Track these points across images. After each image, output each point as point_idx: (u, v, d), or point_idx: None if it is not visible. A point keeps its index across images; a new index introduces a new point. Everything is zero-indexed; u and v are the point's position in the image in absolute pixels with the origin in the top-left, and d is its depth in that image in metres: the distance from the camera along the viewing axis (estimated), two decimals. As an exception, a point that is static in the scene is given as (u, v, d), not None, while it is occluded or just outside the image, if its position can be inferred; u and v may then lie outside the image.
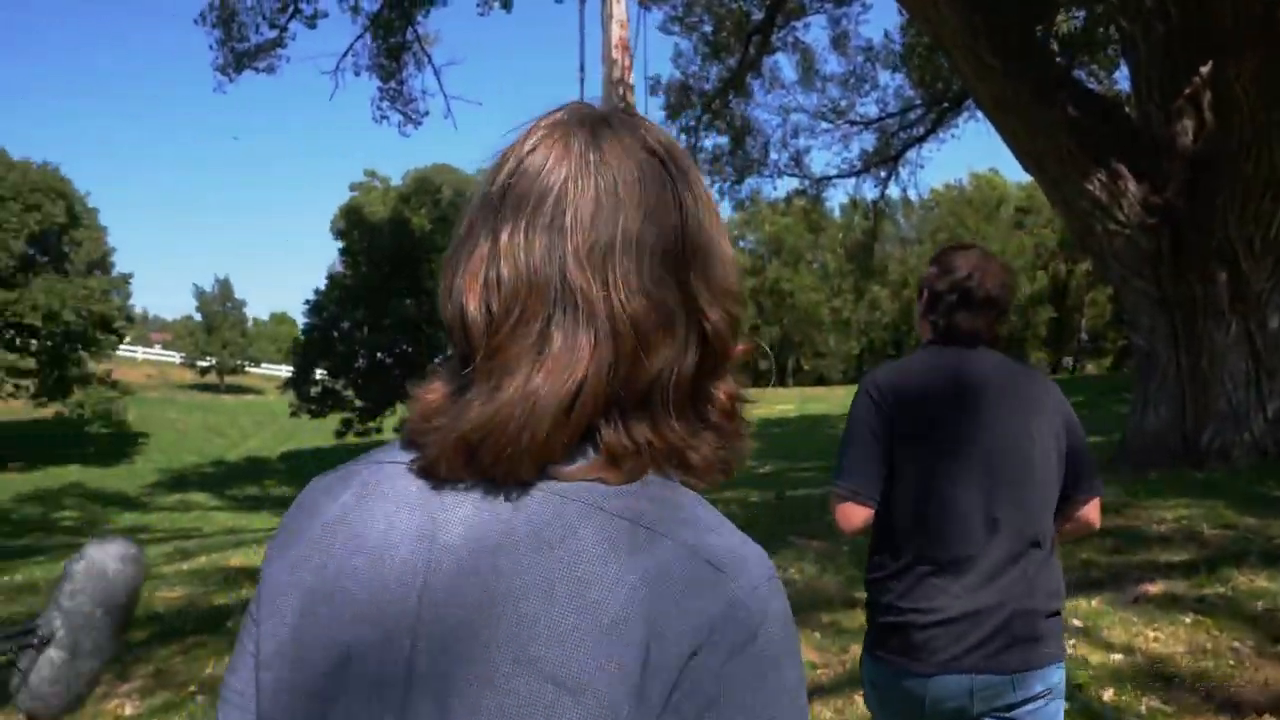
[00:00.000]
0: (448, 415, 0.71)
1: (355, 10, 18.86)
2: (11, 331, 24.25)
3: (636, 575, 0.65)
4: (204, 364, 48.00)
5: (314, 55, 22.43)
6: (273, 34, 18.39)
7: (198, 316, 50.34)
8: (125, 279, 27.55)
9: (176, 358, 49.31)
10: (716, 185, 23.73)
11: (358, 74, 19.38)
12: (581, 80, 7.50)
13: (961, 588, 1.92)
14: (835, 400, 38.48)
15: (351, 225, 24.94)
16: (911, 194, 24.19)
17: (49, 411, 26.88)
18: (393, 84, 19.55)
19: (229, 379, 48.92)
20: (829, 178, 25.18)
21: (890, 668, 1.98)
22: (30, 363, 25.27)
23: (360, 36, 18.68)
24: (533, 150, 0.73)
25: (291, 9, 18.45)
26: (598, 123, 0.74)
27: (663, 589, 0.65)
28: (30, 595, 8.43)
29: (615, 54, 7.40)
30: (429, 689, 0.66)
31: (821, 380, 55.74)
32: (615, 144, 0.73)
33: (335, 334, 23.60)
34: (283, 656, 0.72)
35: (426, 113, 19.64)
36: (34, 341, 24.57)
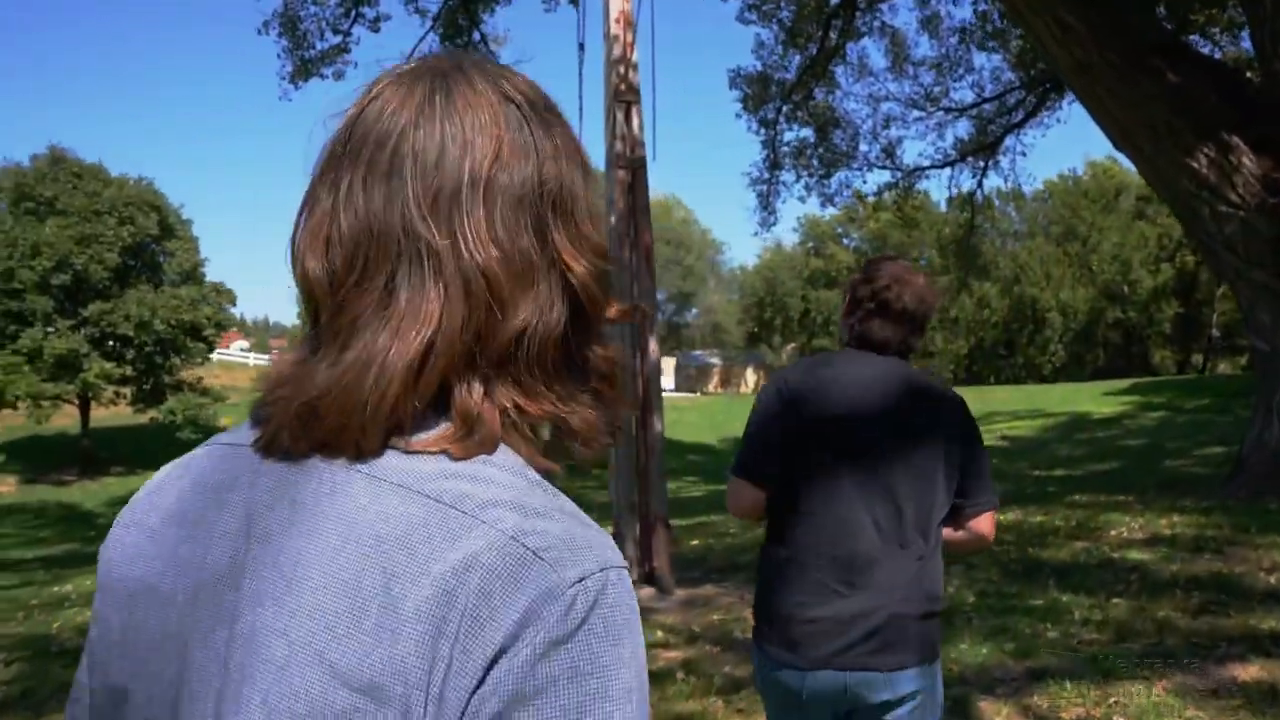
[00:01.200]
0: (292, 384, 0.66)
1: (422, 13, 18.56)
2: (113, 341, 25.00)
3: (445, 566, 0.60)
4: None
5: (381, 59, 22.12)
6: (336, 39, 18.28)
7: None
8: (216, 288, 28.17)
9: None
10: (802, 180, 22.61)
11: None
12: (581, 60, 6.72)
13: (843, 586, 2.00)
14: (938, 404, 36.72)
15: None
16: (1015, 184, 22.41)
17: (146, 417, 27.66)
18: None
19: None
20: (922, 169, 23.74)
21: (772, 659, 2.06)
22: (128, 370, 26.02)
23: (423, 38, 18.39)
24: (375, 98, 0.69)
25: (354, 13, 18.28)
26: (450, 70, 0.70)
27: (470, 580, 0.60)
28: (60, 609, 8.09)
29: (616, 29, 6.58)
30: (230, 687, 0.63)
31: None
32: (466, 89, 0.68)
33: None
34: (107, 646, 0.72)
35: None
36: (129, 350, 25.24)
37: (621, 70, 6.56)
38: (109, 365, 24.75)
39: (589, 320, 0.71)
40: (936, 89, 22.06)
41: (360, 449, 0.64)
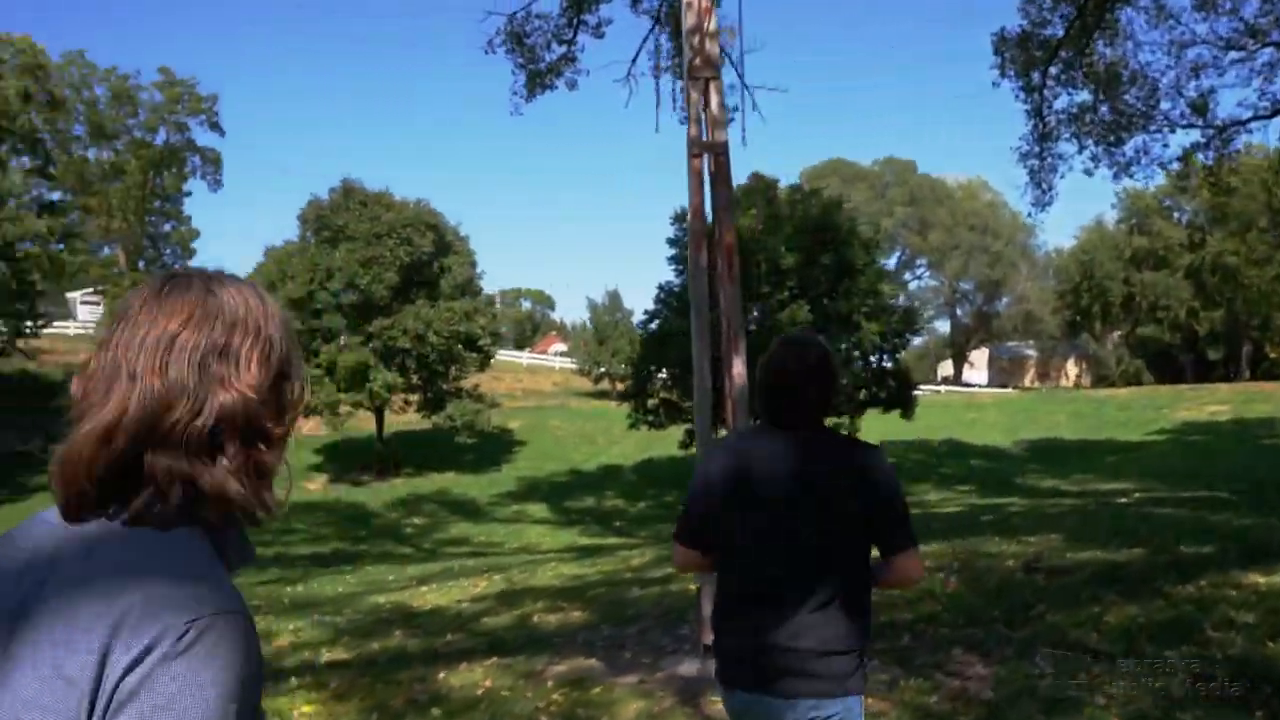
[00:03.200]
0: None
1: (654, 16, 18.11)
2: (402, 355, 27.07)
3: (105, 628, 0.91)
4: (598, 371, 50.91)
5: (609, 62, 21.95)
6: (562, 49, 18.33)
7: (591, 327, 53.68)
8: (490, 300, 29.68)
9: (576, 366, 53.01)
10: (1086, 150, 19.64)
11: (657, 77, 18.70)
12: (653, 30, 5.75)
13: (755, 624, 2.39)
14: (1280, 402, 30.95)
15: (682, 230, 24.43)
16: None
17: (430, 423, 29.74)
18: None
19: (621, 385, 51.48)
20: (1241, 123, 19.92)
21: (717, 677, 2.57)
22: (413, 379, 28.11)
23: (646, 39, 17.97)
24: (132, 294, 1.10)
25: (576, 21, 18.21)
26: (177, 278, 1.10)
27: (116, 637, 0.91)
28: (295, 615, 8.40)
29: (691, -3, 5.54)
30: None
31: (1273, 374, 45.72)
32: (179, 290, 1.08)
33: (669, 344, 23.21)
34: None
35: (735, 108, 18.35)
36: (410, 361, 27.18)
37: (696, 41, 5.53)
38: (392, 375, 26.80)
39: (248, 426, 1.05)
40: (1263, 19, 18.33)
41: (85, 516, 1.04)
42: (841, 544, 2.36)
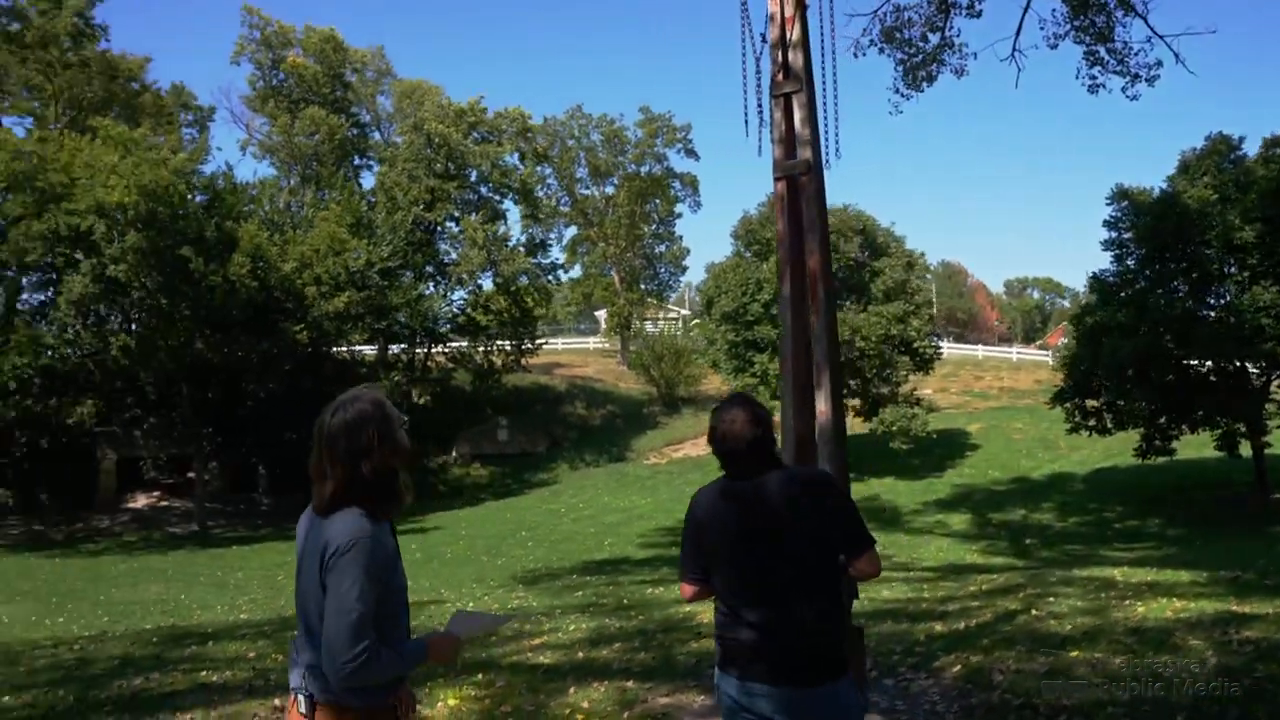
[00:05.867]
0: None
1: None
2: (843, 362, 27.28)
3: (330, 539, 2.45)
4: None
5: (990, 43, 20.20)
6: (936, 38, 17.40)
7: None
8: (927, 304, 28.61)
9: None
10: None
11: (1054, 45, 16.96)
12: (744, 21, 5.47)
13: (745, 628, 2.90)
14: None
15: (1121, 211, 21.32)
16: None
17: (866, 428, 29.51)
18: (1103, 44, 16.56)
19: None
20: None
21: (718, 668, 3.03)
22: (851, 385, 28.15)
23: (1027, 8, 16.33)
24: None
25: (947, 5, 17.19)
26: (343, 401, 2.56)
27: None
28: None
29: (772, 5, 5.30)
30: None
31: None
32: (339, 408, 2.53)
33: (1108, 339, 20.44)
34: None
35: (1159, 64, 15.98)
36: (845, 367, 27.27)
37: (779, 56, 5.19)
38: (824, 382, 27.10)
39: (380, 476, 2.53)
40: None
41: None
42: (816, 556, 2.88)
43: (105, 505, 31.85)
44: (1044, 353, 50.11)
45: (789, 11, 5.21)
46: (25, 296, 30.74)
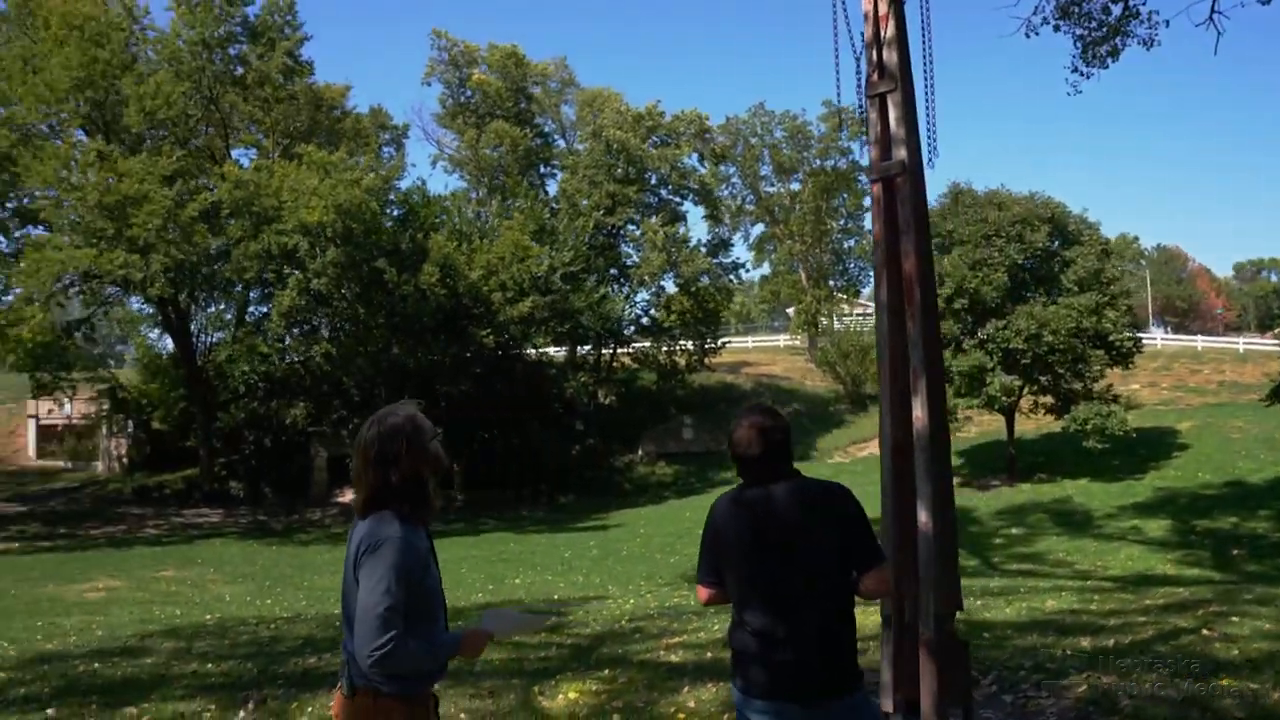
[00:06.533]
0: None
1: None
2: (1022, 356, 25.96)
3: (359, 538, 2.74)
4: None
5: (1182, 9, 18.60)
6: (1119, 9, 16.28)
7: None
8: (1124, 294, 26.63)
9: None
10: None
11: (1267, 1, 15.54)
12: (836, 19, 5.38)
13: (757, 641, 2.92)
14: None
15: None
16: None
17: (1059, 426, 27.83)
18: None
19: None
20: None
21: (732, 681, 3.08)
22: (1042, 381, 26.68)
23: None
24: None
25: (1121, -28, 16.03)
26: (381, 415, 2.84)
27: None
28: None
29: (865, 4, 5.25)
30: None
31: None
32: (375, 422, 2.81)
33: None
34: None
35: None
36: (1025, 361, 25.86)
37: (874, 55, 5.09)
38: (1010, 379, 25.85)
39: (413, 481, 2.78)
40: None
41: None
42: (826, 569, 2.91)
43: (318, 499, 34.66)
44: (1276, 342, 45.37)
45: (883, 9, 5.14)
46: (251, 309, 34.21)
